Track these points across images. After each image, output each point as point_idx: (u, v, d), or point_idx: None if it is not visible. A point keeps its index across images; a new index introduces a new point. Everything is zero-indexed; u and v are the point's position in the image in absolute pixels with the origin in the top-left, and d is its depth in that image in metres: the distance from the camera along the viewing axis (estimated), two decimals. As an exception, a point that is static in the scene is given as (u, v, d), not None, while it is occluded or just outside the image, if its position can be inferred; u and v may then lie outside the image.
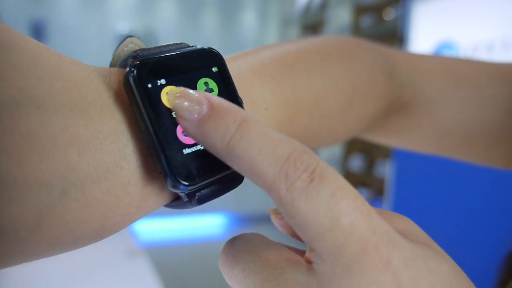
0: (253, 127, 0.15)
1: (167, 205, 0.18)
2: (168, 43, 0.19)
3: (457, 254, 0.15)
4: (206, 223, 3.02)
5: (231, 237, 0.17)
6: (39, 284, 0.77)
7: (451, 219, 1.45)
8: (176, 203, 0.18)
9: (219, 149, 0.15)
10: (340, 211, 0.13)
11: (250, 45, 3.23)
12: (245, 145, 0.14)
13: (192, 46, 0.19)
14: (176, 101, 0.16)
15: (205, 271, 2.17)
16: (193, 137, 0.16)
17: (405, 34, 1.87)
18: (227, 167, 0.17)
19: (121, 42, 0.20)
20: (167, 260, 2.33)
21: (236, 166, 0.15)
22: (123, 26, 2.94)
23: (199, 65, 0.18)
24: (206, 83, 0.18)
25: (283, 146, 0.14)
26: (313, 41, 0.27)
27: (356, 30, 2.40)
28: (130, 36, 0.20)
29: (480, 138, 0.32)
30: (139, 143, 0.16)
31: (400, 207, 1.72)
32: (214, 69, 0.19)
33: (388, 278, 0.13)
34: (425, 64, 0.33)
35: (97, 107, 0.16)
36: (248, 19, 3.36)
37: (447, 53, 1.73)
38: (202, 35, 3.10)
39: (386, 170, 2.06)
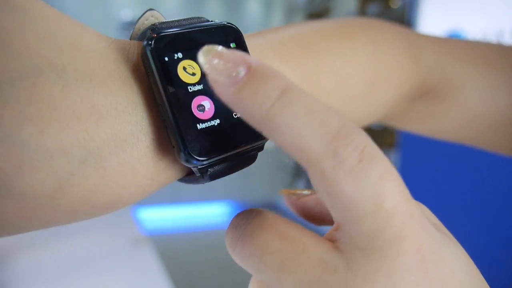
0: (296, 96, 0.13)
1: (180, 179, 0.19)
2: (188, 17, 0.19)
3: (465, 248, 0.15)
4: (210, 212, 3.04)
5: (238, 212, 0.16)
6: (44, 272, 0.78)
7: (457, 211, 1.44)
8: (189, 177, 0.18)
9: (256, 118, 0.14)
10: (385, 194, 0.13)
11: (256, 11, 3.22)
12: (287, 115, 0.13)
13: (211, 21, 0.19)
14: (210, 62, 0.14)
15: (209, 259, 2.19)
16: (228, 103, 0.14)
17: (412, 22, 1.85)
18: (241, 144, 0.17)
19: (142, 15, 0.19)
20: (172, 248, 2.35)
21: (274, 137, 0.14)
22: (127, 13, 2.92)
23: (217, 40, 0.18)
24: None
25: (332, 119, 0.13)
26: (336, 22, 0.27)
27: (361, 14, 2.37)
28: (151, 9, 0.19)
29: (508, 126, 0.32)
30: (155, 116, 0.16)
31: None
32: (232, 45, 0.18)
33: (417, 263, 0.13)
34: (452, 47, 0.32)
35: (116, 78, 0.16)
36: (253, 7, 3.34)
37: (455, 41, 1.71)
38: (206, 23, 3.08)
39: (391, 159, 2.06)
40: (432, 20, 1.79)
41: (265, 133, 0.14)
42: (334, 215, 0.14)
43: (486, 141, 0.34)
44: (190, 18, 0.19)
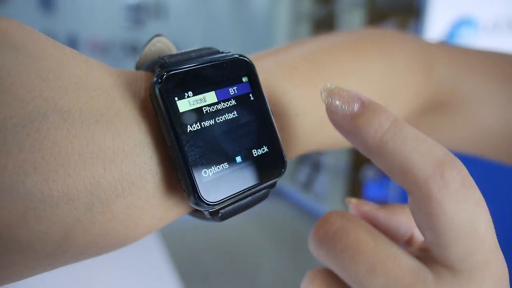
0: (405, 126, 0.15)
1: (189, 214, 0.18)
2: (196, 48, 0.18)
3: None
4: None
5: (330, 211, 0.17)
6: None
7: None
8: (197, 214, 0.18)
9: (370, 143, 0.16)
10: (480, 219, 0.14)
11: (261, 19, 3.15)
12: (399, 141, 0.15)
13: (222, 52, 0.18)
14: (329, 99, 0.17)
15: (211, 241, 2.21)
16: (343, 131, 0.17)
17: (421, 8, 1.81)
18: (253, 184, 0.17)
19: (149, 41, 0.19)
20: (174, 229, 2.38)
21: (383, 161, 0.16)
22: (132, -4, 2.89)
23: (228, 76, 0.17)
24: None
25: (437, 148, 0.15)
26: (349, 37, 0.26)
27: (372, 2, 2.33)
28: (158, 35, 0.19)
29: None
30: (164, 155, 0.16)
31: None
32: (244, 79, 0.18)
33: None
34: (466, 59, 0.31)
35: (123, 118, 0.15)
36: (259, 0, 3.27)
37: (465, 30, 1.68)
38: (212, 8, 3.04)
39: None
40: (442, 6, 1.75)
41: (374, 157, 0.16)
42: (429, 236, 0.15)
43: (502, 155, 0.33)
44: (199, 49, 0.18)
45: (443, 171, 0.14)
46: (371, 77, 0.25)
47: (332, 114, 0.17)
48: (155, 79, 0.15)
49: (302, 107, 0.21)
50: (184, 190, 0.16)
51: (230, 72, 0.17)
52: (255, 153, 0.17)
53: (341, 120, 0.16)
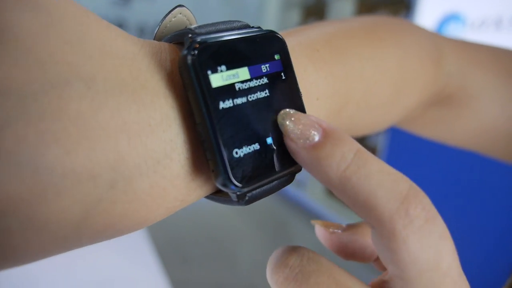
0: (369, 158, 0.15)
1: (208, 197, 0.17)
2: (222, 20, 0.17)
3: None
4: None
5: (285, 250, 0.16)
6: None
7: (445, 212, 1.47)
8: (218, 197, 0.17)
9: (332, 177, 0.15)
10: (443, 253, 0.14)
11: (251, 5, 3.11)
12: (363, 175, 0.14)
13: (252, 27, 0.17)
14: (287, 123, 0.16)
15: (190, 225, 2.21)
16: (302, 162, 0.16)
17: (412, 1, 1.82)
18: (283, 169, 0.16)
19: (170, 11, 0.18)
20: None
21: (347, 196, 0.15)
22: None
23: (261, 52, 0.16)
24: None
25: (401, 181, 0.14)
26: (365, 22, 0.25)
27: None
28: (180, 5, 0.18)
29: None
30: (191, 133, 0.15)
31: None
32: (276, 57, 0.17)
33: None
34: (476, 54, 0.31)
35: (149, 90, 0.14)
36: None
37: (453, 25, 1.70)
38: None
39: (379, 139, 2.07)
40: (431, 2, 1.76)
41: (337, 191, 0.15)
42: (392, 269, 0.15)
43: (501, 152, 0.34)
44: (230, 21, 0.17)
45: (408, 207, 0.14)
46: (386, 65, 0.24)
47: (291, 142, 0.16)
48: (187, 50, 0.14)
49: (323, 91, 0.20)
50: (212, 171, 0.15)
51: (263, 48, 0.16)
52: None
53: (301, 151, 0.15)
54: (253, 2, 3.17)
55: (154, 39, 0.18)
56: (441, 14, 1.72)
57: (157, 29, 0.18)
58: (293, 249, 0.16)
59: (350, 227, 0.20)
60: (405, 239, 0.14)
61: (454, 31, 1.68)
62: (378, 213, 0.14)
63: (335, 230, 0.20)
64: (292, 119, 0.16)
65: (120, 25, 2.66)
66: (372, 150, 2.29)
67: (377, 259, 0.20)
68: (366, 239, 0.19)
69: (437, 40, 0.29)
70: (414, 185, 0.15)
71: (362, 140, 2.50)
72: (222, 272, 1.82)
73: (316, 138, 0.15)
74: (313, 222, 0.20)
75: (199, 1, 2.90)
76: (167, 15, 0.18)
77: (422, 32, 0.29)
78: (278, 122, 0.16)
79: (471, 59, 0.30)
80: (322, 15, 2.52)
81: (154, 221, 0.15)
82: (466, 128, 0.32)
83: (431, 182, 1.53)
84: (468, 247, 1.30)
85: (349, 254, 0.20)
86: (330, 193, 2.39)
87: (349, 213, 2.04)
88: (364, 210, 0.14)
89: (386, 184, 0.14)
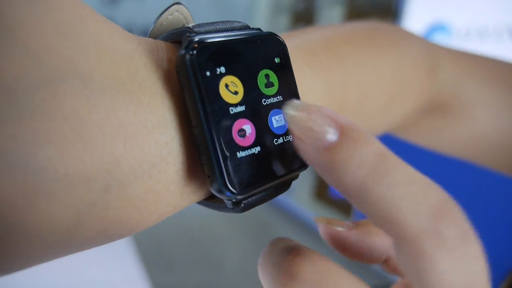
0: (394, 164, 0.12)
1: (202, 202, 0.17)
2: (224, 20, 0.17)
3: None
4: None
5: (296, 269, 0.13)
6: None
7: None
8: (212, 203, 0.16)
9: (348, 185, 0.12)
10: (476, 276, 0.12)
11: (241, 10, 3.11)
12: (385, 185, 0.12)
13: (252, 28, 0.17)
14: (295, 116, 0.13)
15: (175, 230, 2.19)
16: (313, 164, 0.13)
17: (399, 10, 1.84)
18: (280, 175, 0.15)
19: (166, 9, 0.17)
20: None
21: (365, 207, 0.12)
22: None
23: (261, 54, 0.16)
24: (267, 76, 0.16)
25: (432, 192, 0.12)
26: (363, 29, 0.25)
27: (351, 0, 2.35)
28: (177, 3, 0.17)
29: None
30: (187, 135, 0.14)
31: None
32: (277, 60, 0.16)
33: None
34: (470, 63, 0.31)
35: (146, 90, 0.13)
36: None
37: (439, 35, 1.73)
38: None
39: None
40: (419, 10, 1.79)
41: (353, 201, 0.13)
42: (416, 286, 0.13)
43: (494, 163, 0.34)
44: (229, 21, 0.16)
45: (439, 225, 0.12)
46: (382, 71, 0.24)
47: (300, 142, 0.13)
48: (185, 50, 0.14)
49: (320, 97, 0.20)
50: (208, 176, 0.14)
51: (263, 50, 0.16)
52: (282, 140, 0.16)
53: (311, 152, 0.13)
54: (242, 6, 3.17)
55: (149, 37, 0.17)
56: (427, 24, 1.75)
57: (152, 26, 0.17)
58: (302, 257, 0.14)
59: (357, 225, 0.18)
60: (435, 261, 0.12)
61: (440, 40, 1.71)
62: (402, 230, 0.12)
63: (340, 228, 0.17)
64: (302, 112, 0.13)
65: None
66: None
67: (385, 262, 0.18)
68: (374, 239, 0.17)
69: (432, 49, 0.29)
70: (447, 196, 0.12)
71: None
72: (207, 277, 1.81)
73: (331, 137, 0.12)
74: (316, 219, 0.17)
75: (188, 3, 2.89)
76: (163, 12, 0.17)
77: (418, 40, 0.29)
78: (285, 115, 0.13)
79: (465, 68, 0.30)
80: (311, 21, 2.54)
81: (145, 227, 0.14)
82: (459, 137, 0.32)
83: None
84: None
85: (355, 254, 0.18)
86: (316, 197, 2.39)
87: (340, 218, 2.04)
88: (386, 225, 0.12)
89: (414, 195, 0.12)
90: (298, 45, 0.20)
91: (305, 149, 0.13)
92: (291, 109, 0.13)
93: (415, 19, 1.78)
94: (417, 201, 0.12)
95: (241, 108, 0.15)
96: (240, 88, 0.15)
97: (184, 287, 1.73)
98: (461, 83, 0.30)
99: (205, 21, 0.16)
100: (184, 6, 0.17)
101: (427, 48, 0.29)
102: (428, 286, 0.12)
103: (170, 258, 1.90)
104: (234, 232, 2.20)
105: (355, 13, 2.22)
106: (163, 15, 0.17)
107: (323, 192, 2.29)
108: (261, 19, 3.05)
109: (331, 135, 0.13)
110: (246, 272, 1.83)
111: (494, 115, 0.31)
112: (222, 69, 0.14)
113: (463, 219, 0.12)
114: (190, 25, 0.15)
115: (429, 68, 0.28)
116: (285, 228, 2.34)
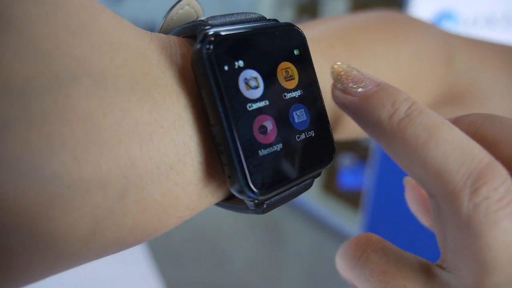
0: (426, 112, 0.13)
1: (220, 204, 0.16)
2: (237, 12, 0.16)
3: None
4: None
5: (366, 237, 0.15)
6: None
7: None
8: (230, 203, 0.16)
9: (384, 125, 0.13)
10: None
11: (244, 2, 3.09)
12: (421, 128, 0.12)
13: (266, 19, 0.16)
14: (339, 77, 0.15)
15: (183, 223, 2.19)
16: (353, 114, 0.15)
17: (404, 1, 1.82)
18: (304, 173, 0.15)
19: (176, 3, 0.16)
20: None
21: (400, 152, 0.13)
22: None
23: (280, 46, 0.15)
24: (286, 69, 0.15)
25: (475, 148, 0.12)
26: (378, 19, 0.25)
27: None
28: (188, -4, 0.17)
29: None
30: (204, 134, 0.14)
31: (384, 174, 1.74)
32: (296, 52, 0.16)
33: None
34: (486, 52, 0.30)
35: (161, 88, 0.13)
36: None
37: (447, 23, 1.70)
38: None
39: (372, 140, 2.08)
40: (424, 1, 1.77)
41: (387, 145, 0.13)
42: (452, 257, 0.12)
43: None
44: (246, 12, 0.16)
45: (485, 181, 0.12)
46: (399, 62, 0.24)
47: (338, 91, 0.15)
48: (200, 44, 0.13)
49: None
50: (228, 177, 0.13)
51: (282, 42, 0.15)
52: (305, 136, 0.15)
53: (352, 101, 0.14)
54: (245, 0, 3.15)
55: (159, 33, 0.17)
56: (434, 12, 1.73)
57: (162, 21, 0.17)
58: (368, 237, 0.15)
59: None
60: (474, 222, 0.11)
61: (447, 29, 1.69)
62: (439, 180, 0.12)
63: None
64: (341, 73, 0.15)
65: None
66: (365, 150, 2.30)
67: None
68: None
69: (448, 39, 0.29)
70: (493, 160, 0.12)
71: (354, 141, 2.50)
72: (215, 271, 1.81)
73: (369, 87, 0.14)
74: (406, 179, 0.17)
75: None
76: (173, 6, 0.16)
77: (433, 29, 0.28)
78: (331, 76, 0.15)
79: (482, 57, 0.30)
80: (315, 13, 2.52)
81: (163, 232, 0.14)
82: None
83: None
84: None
85: None
86: (325, 190, 2.39)
87: (348, 212, 2.04)
88: (420, 171, 0.13)
89: (452, 145, 0.12)
90: (314, 36, 0.20)
91: (343, 99, 0.15)
92: (336, 69, 0.15)
93: (422, 7, 1.75)
94: (459, 152, 0.12)
95: (261, 104, 0.14)
96: (259, 82, 0.14)
97: (193, 282, 1.74)
98: (478, 72, 0.29)
99: (208, 13, 0.15)
100: (196, 0, 0.17)
101: (442, 38, 0.28)
102: (463, 249, 0.12)
103: (179, 252, 1.91)
104: (243, 226, 2.20)
105: (359, 3, 2.20)
106: (174, 10, 0.16)
107: (331, 185, 2.29)
108: (265, 11, 3.03)
109: (369, 86, 0.14)
110: (255, 266, 1.83)
111: (509, 104, 0.30)
112: (241, 63, 0.14)
113: (508, 179, 0.12)
114: (205, 17, 0.15)
115: (446, 58, 0.27)
116: (294, 221, 2.34)
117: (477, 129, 0.14)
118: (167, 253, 1.89)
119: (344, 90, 0.15)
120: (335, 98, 0.15)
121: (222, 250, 1.97)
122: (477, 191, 0.11)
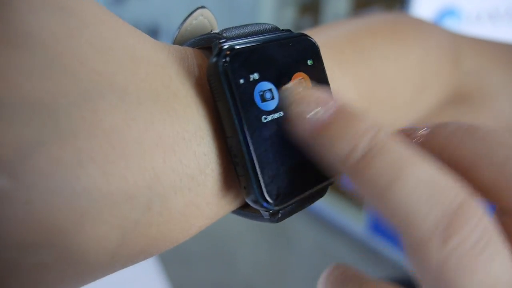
0: (392, 146, 0.11)
1: (237, 212, 0.17)
2: (250, 23, 0.16)
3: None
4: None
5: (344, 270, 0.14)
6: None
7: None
8: (245, 211, 0.16)
9: (342, 165, 0.12)
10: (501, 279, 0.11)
11: (246, 2, 3.09)
12: (383, 169, 0.11)
13: (282, 30, 0.16)
14: (295, 96, 0.13)
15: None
16: (307, 144, 0.13)
17: (407, -3, 1.81)
18: (319, 182, 0.15)
19: (190, 14, 0.17)
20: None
21: (363, 193, 0.12)
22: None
23: (294, 57, 0.15)
24: (300, 80, 0.15)
25: (447, 185, 0.11)
26: (386, 22, 0.25)
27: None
28: (202, 7, 0.17)
29: None
30: (221, 145, 0.14)
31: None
32: (309, 62, 0.16)
33: None
34: (493, 52, 0.30)
35: (181, 99, 0.13)
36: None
37: (449, 20, 1.70)
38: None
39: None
40: (428, -4, 1.76)
41: (352, 180, 0.12)
42: None
43: None
44: (259, 23, 0.16)
45: (453, 232, 0.10)
46: (408, 65, 0.24)
47: (296, 120, 0.13)
48: (217, 57, 0.13)
49: (349, 94, 0.20)
50: (244, 187, 0.14)
51: (296, 53, 0.15)
52: None
53: (306, 129, 0.13)
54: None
55: (173, 44, 0.17)
56: (437, 9, 1.72)
57: (177, 32, 0.17)
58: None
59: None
60: (447, 272, 0.11)
61: (451, 25, 1.68)
62: (411, 227, 0.11)
63: (422, 131, 0.15)
64: (298, 93, 0.13)
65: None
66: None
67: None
68: None
69: (455, 39, 0.29)
70: (469, 196, 0.11)
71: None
72: (221, 272, 1.82)
73: (326, 113, 0.12)
74: (398, 129, 0.15)
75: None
76: (187, 17, 0.17)
77: (441, 31, 0.28)
78: (281, 94, 0.14)
79: (489, 57, 0.30)
80: (317, 13, 2.51)
81: (182, 241, 0.14)
82: None
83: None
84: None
85: (446, 158, 0.14)
86: (331, 189, 2.38)
87: (354, 211, 2.03)
88: (391, 218, 0.11)
89: (421, 187, 0.11)
90: (324, 43, 0.20)
91: (299, 127, 0.13)
92: (288, 91, 0.14)
93: (423, 5, 1.75)
94: (431, 195, 0.11)
95: (276, 115, 0.14)
96: (274, 94, 0.14)
97: (199, 282, 1.75)
98: (486, 73, 0.29)
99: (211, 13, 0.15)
100: (208, 10, 0.17)
101: (450, 39, 0.28)
102: None
103: (186, 252, 1.92)
104: (249, 226, 2.21)
105: (361, 2, 2.19)
106: (187, 21, 0.17)
107: (336, 184, 2.28)
108: (267, 11, 3.03)
109: (325, 112, 0.12)
110: (261, 266, 1.83)
111: None
112: (256, 75, 0.14)
113: (485, 220, 0.11)
114: (219, 30, 0.15)
115: (453, 59, 0.28)
116: (299, 221, 2.34)
117: (456, 146, 0.13)
118: (174, 253, 1.90)
119: (298, 117, 0.13)
120: (291, 127, 0.13)
121: (228, 250, 1.98)
122: (448, 240, 0.10)
